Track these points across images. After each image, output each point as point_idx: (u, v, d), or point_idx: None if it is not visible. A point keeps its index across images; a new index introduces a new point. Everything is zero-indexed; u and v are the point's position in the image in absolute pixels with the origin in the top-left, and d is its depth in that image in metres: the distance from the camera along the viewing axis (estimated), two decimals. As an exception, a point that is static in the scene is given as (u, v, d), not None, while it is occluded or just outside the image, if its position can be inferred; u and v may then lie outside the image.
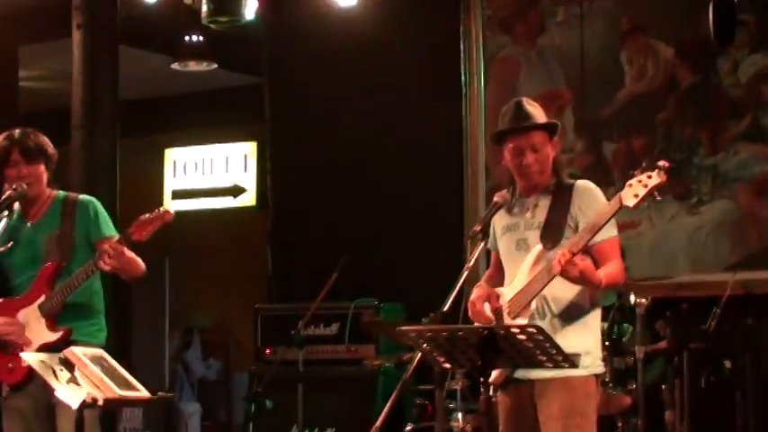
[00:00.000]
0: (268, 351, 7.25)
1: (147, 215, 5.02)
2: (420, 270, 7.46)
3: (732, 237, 7.08)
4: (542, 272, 4.35)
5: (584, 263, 4.24)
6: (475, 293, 4.52)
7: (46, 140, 5.24)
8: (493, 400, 4.35)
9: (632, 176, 4.23)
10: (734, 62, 7.15)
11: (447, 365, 4.24)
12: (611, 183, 7.25)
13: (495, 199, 4.57)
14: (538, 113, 4.59)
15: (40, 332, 5.09)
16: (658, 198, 4.23)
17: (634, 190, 4.20)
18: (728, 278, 6.34)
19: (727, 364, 6.13)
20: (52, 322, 5.10)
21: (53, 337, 5.07)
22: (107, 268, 5.01)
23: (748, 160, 7.09)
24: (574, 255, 4.21)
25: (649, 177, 4.19)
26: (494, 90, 7.64)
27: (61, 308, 5.08)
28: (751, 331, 6.21)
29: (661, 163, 4.20)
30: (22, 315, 5.14)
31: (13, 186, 5.10)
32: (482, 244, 4.45)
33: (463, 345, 4.04)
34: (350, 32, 7.80)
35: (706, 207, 7.18)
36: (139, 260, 5.18)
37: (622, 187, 4.23)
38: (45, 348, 4.92)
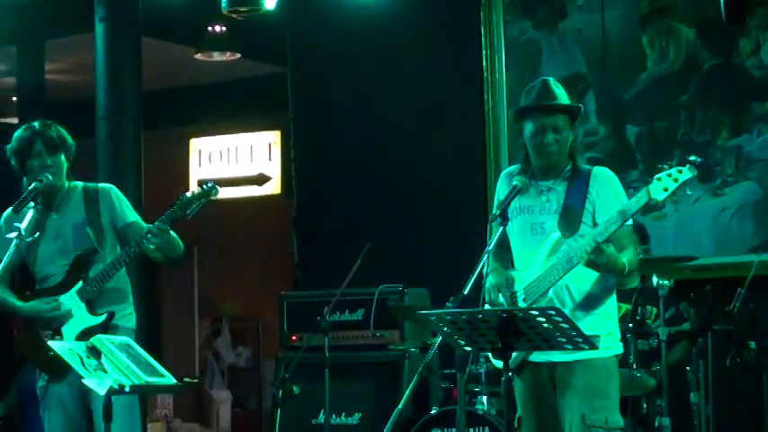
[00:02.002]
0: (294, 338, 7.29)
1: (191, 192, 5.07)
2: (445, 255, 7.49)
3: (756, 218, 7.05)
4: (561, 260, 4.37)
5: (609, 250, 4.28)
6: (494, 279, 4.54)
7: (65, 132, 5.29)
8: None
9: (661, 170, 4.25)
10: (756, 42, 7.12)
11: (467, 348, 4.28)
12: (634, 166, 7.26)
13: (515, 183, 4.58)
14: (563, 96, 4.59)
15: (82, 317, 5.14)
16: (689, 192, 4.26)
17: (663, 184, 4.22)
18: (753, 259, 6.34)
19: (752, 345, 6.12)
20: (92, 307, 5.17)
21: (96, 321, 5.13)
22: (151, 247, 5.08)
23: (772, 141, 7.07)
24: (599, 243, 4.24)
25: (680, 172, 4.21)
26: (515, 75, 7.64)
27: (100, 293, 5.16)
28: (776, 312, 6.18)
29: (692, 158, 4.23)
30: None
31: (39, 178, 5.16)
32: (501, 228, 4.46)
33: (483, 327, 4.06)
34: (371, 21, 7.82)
35: (730, 189, 7.15)
36: (179, 240, 5.24)
37: (648, 174, 4.26)
38: (87, 333, 4.93)
